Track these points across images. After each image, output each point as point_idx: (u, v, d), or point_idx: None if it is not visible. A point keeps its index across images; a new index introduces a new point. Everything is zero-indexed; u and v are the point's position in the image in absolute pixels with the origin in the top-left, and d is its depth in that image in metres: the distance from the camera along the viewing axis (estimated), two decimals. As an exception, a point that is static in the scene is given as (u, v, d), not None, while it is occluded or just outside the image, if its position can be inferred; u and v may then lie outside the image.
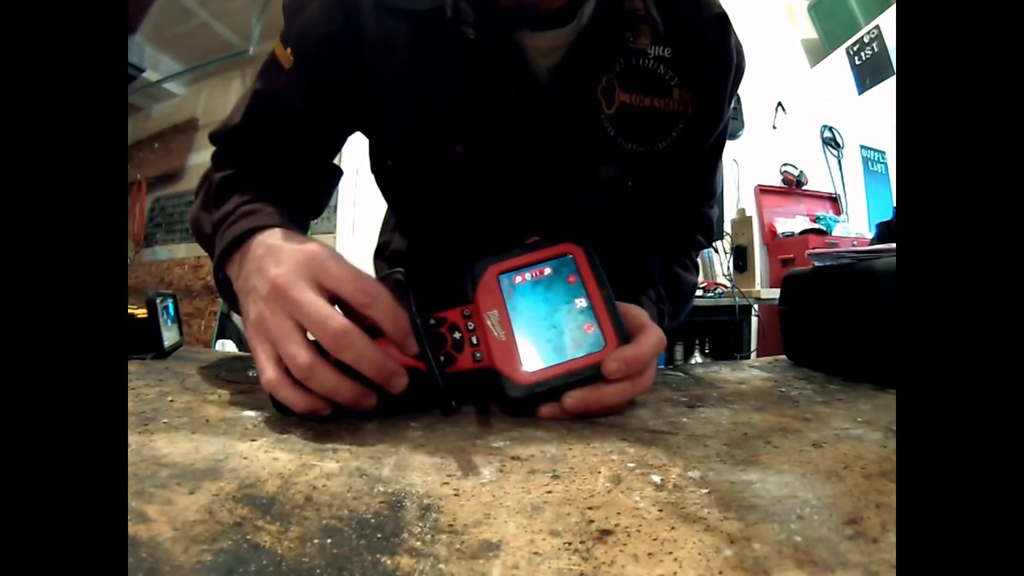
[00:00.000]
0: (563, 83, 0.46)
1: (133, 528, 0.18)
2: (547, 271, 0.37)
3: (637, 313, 0.37)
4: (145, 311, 0.55)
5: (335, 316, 0.31)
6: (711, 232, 0.65)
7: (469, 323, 0.36)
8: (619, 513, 0.21)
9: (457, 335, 0.35)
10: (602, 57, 0.46)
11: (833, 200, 3.02)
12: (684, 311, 0.61)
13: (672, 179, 0.55)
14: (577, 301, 0.36)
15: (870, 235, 2.54)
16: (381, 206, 0.67)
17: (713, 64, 0.49)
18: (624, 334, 0.35)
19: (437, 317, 0.36)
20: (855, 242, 2.40)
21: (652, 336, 0.35)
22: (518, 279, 0.37)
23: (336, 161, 0.56)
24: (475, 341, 0.35)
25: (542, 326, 0.35)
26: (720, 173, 0.62)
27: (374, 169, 0.56)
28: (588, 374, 0.33)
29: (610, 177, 0.50)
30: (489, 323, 0.35)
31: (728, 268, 2.43)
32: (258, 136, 0.49)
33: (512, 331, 0.35)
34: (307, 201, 0.52)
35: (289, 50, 0.47)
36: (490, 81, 0.45)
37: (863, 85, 2.82)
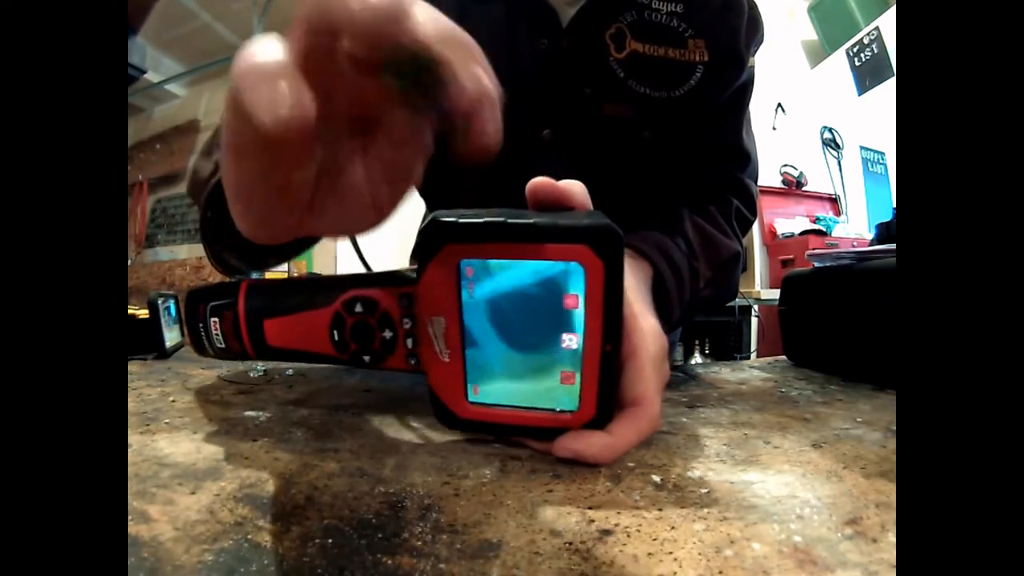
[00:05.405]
0: (577, 29, 0.50)
1: (135, 528, 0.19)
2: (538, 277, 0.23)
3: (639, 375, 0.27)
4: (147, 312, 0.55)
5: None
6: (752, 203, 0.59)
7: (406, 319, 0.26)
8: (619, 513, 0.21)
9: (388, 334, 0.26)
10: (613, 7, 0.50)
11: (833, 201, 3.02)
12: (727, 283, 0.54)
13: (695, 130, 0.55)
14: (566, 339, 0.24)
15: (870, 236, 2.54)
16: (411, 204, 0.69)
17: (723, 11, 0.52)
18: (609, 407, 0.25)
19: (365, 298, 0.26)
20: (855, 243, 2.40)
21: (638, 422, 0.26)
22: (488, 277, 0.23)
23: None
24: (411, 344, 0.26)
25: (506, 358, 0.25)
26: (751, 137, 0.59)
27: None
28: (540, 433, 0.26)
29: (621, 116, 0.51)
30: (431, 333, 0.25)
31: (728, 269, 2.43)
32: None
33: (462, 354, 0.25)
34: None
35: None
36: (525, 29, 0.50)
37: (863, 86, 2.82)
